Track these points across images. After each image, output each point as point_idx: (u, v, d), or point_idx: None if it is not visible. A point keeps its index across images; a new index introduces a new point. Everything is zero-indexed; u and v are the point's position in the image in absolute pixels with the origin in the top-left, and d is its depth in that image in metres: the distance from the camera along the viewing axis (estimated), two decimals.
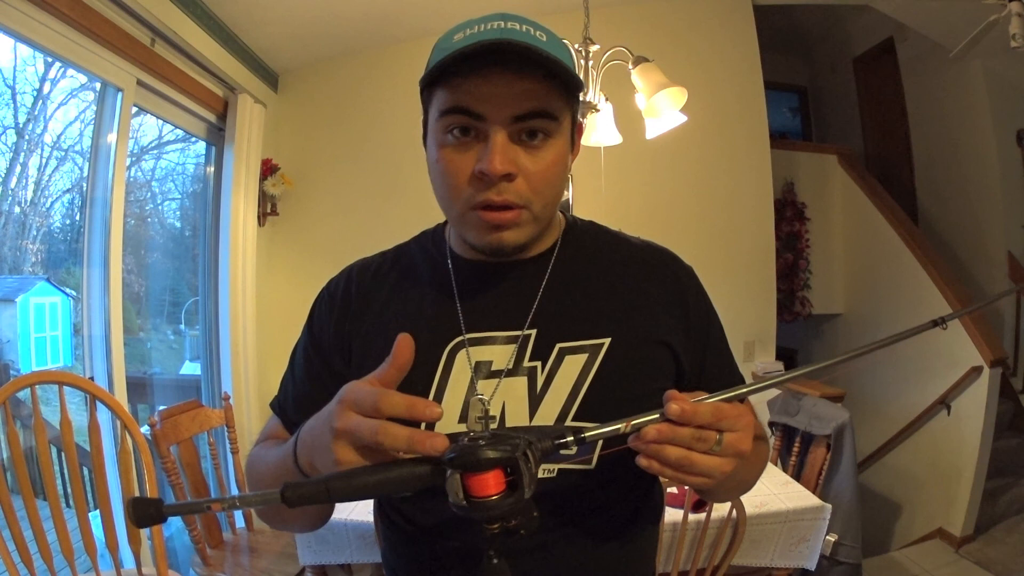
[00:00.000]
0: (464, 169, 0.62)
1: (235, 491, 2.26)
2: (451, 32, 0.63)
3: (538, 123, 0.61)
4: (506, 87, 0.59)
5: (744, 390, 0.55)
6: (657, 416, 0.51)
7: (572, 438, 0.51)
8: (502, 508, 0.47)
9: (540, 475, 0.66)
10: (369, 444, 0.48)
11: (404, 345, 0.53)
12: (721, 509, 1.56)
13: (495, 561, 0.50)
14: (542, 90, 0.60)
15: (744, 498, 1.51)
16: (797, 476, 2.11)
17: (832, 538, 2.17)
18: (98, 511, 1.67)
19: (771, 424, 2.36)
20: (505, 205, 0.62)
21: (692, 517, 1.55)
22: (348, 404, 0.50)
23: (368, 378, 0.53)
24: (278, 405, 0.77)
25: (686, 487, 1.55)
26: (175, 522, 2.37)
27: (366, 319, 0.72)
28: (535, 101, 0.60)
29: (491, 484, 0.47)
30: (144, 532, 1.75)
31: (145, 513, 0.44)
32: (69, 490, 1.80)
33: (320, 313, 0.75)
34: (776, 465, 2.22)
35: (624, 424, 0.51)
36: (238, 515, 2.22)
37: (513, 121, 0.60)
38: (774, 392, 2.50)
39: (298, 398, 0.75)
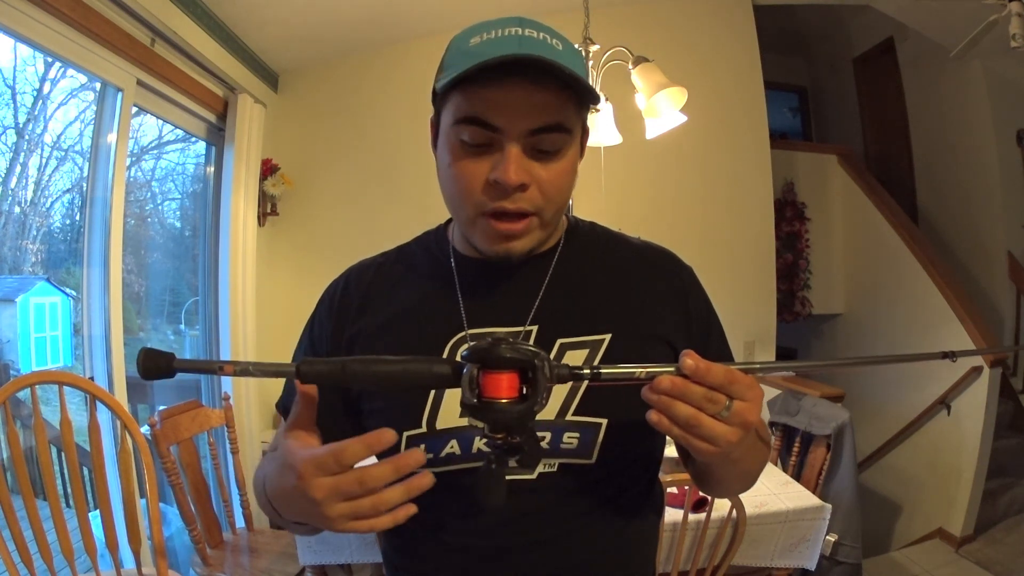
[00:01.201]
0: (478, 176, 0.62)
1: (235, 492, 2.26)
2: (467, 34, 0.63)
3: (553, 138, 0.62)
4: (523, 98, 0.59)
5: (759, 366, 0.56)
6: (672, 370, 0.52)
7: (589, 371, 0.52)
8: (510, 414, 0.48)
9: (541, 469, 0.66)
10: (358, 494, 0.50)
11: (306, 393, 0.55)
12: (721, 509, 1.56)
13: (493, 467, 0.52)
14: (558, 103, 0.60)
15: (744, 498, 1.51)
16: (797, 476, 2.11)
17: (832, 538, 2.17)
18: (98, 511, 1.67)
19: (771, 424, 2.36)
20: (519, 213, 0.63)
21: (692, 517, 1.55)
22: (310, 473, 0.51)
23: (293, 431, 0.56)
24: (282, 407, 0.78)
25: (686, 487, 1.56)
26: (175, 522, 2.37)
27: (368, 317, 0.73)
28: (551, 115, 0.61)
29: (504, 386, 0.48)
30: (144, 532, 1.75)
31: (155, 365, 0.44)
32: (69, 490, 1.80)
33: (320, 318, 0.76)
34: (776, 465, 2.22)
35: (640, 370, 0.52)
36: (238, 515, 2.22)
37: (528, 134, 0.61)
38: (774, 392, 2.51)
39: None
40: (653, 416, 0.52)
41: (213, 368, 0.48)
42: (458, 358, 0.51)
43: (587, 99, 0.63)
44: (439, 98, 0.65)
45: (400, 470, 0.50)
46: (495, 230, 0.64)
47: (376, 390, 0.68)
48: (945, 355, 0.61)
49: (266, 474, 0.61)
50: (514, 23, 0.61)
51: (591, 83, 0.65)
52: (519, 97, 0.59)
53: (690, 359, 0.51)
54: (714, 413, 0.52)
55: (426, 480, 0.50)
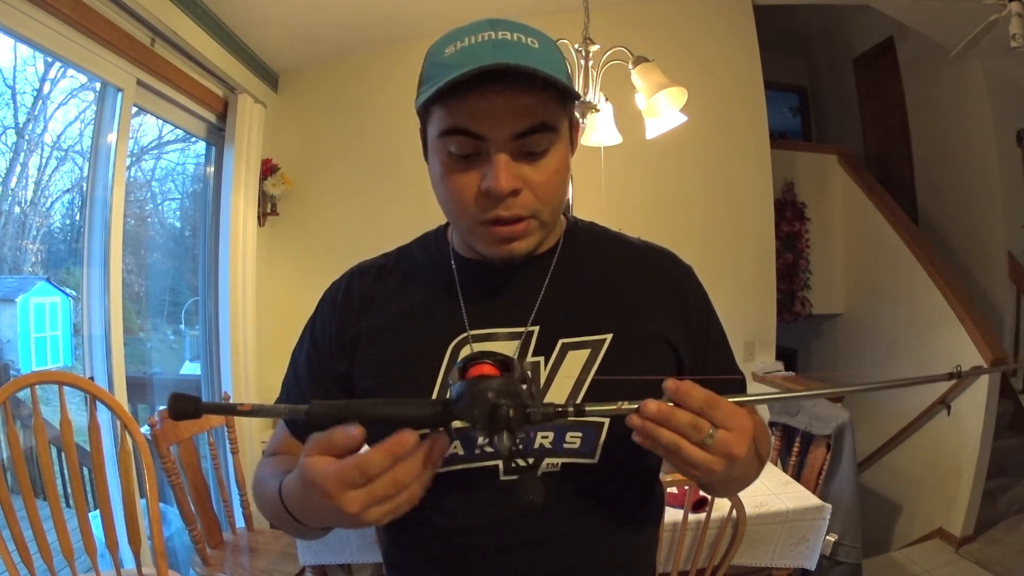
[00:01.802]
0: (469, 187, 0.62)
1: (235, 492, 2.26)
2: (441, 44, 0.62)
3: (539, 138, 0.61)
4: (504, 104, 0.59)
5: (746, 399, 0.57)
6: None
7: (573, 408, 0.54)
8: (493, 383, 0.51)
9: (544, 469, 0.67)
10: (394, 495, 0.51)
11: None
12: (721, 509, 1.56)
13: (529, 464, 0.54)
14: (539, 103, 0.60)
15: (744, 498, 1.51)
16: (797, 476, 2.11)
17: (832, 538, 2.17)
18: (98, 511, 1.67)
19: (771, 424, 2.36)
20: (515, 219, 0.63)
21: (692, 517, 1.55)
22: (338, 489, 0.51)
23: (318, 448, 0.55)
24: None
25: (686, 487, 1.56)
26: (175, 522, 2.37)
27: (369, 318, 0.73)
28: (534, 116, 0.60)
29: (485, 369, 0.53)
30: (144, 532, 1.75)
31: (183, 408, 0.49)
32: (69, 490, 1.80)
33: (322, 318, 0.76)
34: (776, 465, 2.22)
35: (624, 404, 0.54)
36: (238, 515, 2.22)
37: (514, 139, 0.61)
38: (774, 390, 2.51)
39: (301, 400, 0.76)
40: (636, 436, 0.54)
41: (233, 409, 0.52)
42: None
43: (568, 94, 0.63)
44: (422, 111, 0.65)
45: (430, 462, 0.52)
46: (495, 235, 0.64)
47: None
48: (951, 375, 0.61)
49: (285, 488, 0.60)
50: (486, 27, 0.61)
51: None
52: (500, 104, 0.59)
53: (671, 382, 0.53)
54: (698, 441, 0.52)
55: (445, 446, 0.53)
